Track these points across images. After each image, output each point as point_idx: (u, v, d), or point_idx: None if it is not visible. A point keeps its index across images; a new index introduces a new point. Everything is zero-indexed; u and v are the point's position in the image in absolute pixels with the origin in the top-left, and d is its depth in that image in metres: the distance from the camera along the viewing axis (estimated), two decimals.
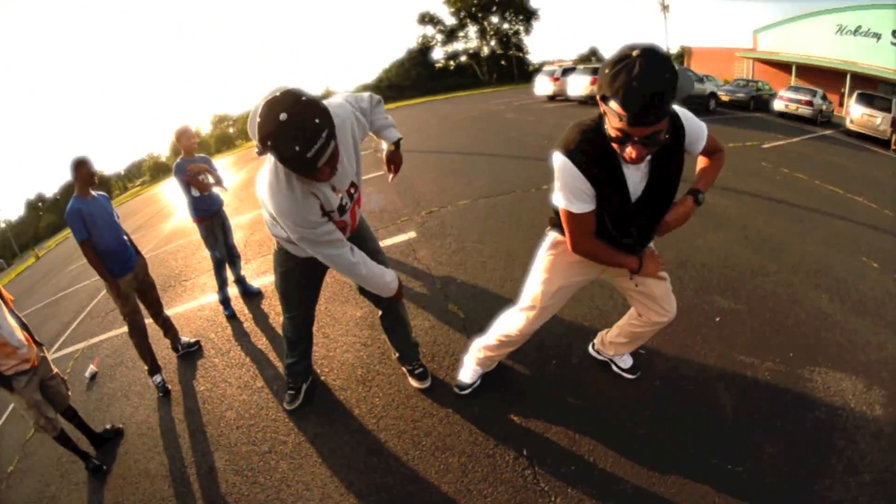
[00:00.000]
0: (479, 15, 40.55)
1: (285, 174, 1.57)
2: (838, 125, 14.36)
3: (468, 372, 2.38)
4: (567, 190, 1.49)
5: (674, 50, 31.45)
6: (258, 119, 1.34)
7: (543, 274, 1.87)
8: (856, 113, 12.81)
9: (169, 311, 3.33)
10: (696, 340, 2.68)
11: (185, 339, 3.28)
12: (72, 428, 2.48)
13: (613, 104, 1.22)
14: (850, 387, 2.33)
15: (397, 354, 2.52)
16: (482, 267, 3.76)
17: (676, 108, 1.48)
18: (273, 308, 3.64)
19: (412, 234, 4.60)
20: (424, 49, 41.44)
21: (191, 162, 3.46)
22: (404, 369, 2.55)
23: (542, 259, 1.89)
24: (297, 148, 1.30)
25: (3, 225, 46.95)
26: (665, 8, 29.12)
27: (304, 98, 1.34)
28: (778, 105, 14.99)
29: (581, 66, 17.37)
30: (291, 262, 2.04)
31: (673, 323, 2.72)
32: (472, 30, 42.00)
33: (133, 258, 2.88)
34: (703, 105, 13.98)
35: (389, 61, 42.32)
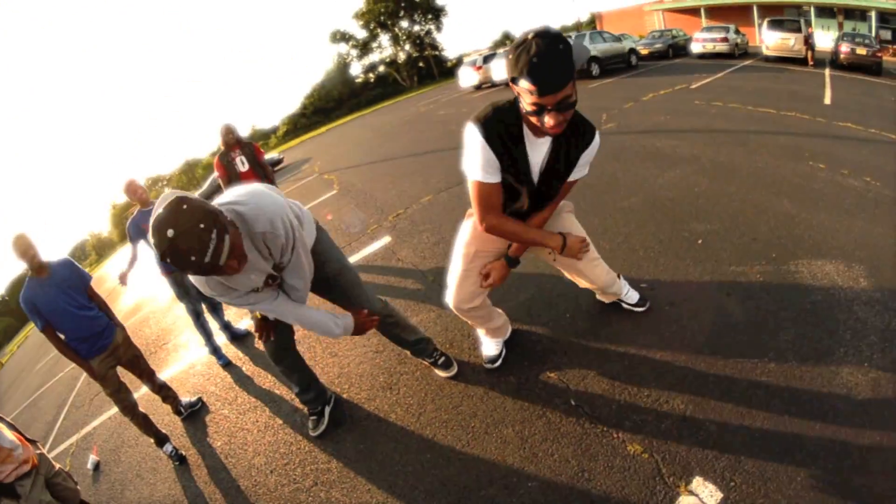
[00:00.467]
0: (389, 22, 40.52)
1: None
2: (756, 54, 15.28)
3: (489, 345, 2.38)
4: (476, 160, 1.61)
5: (585, 18, 32.56)
6: (153, 241, 1.34)
7: (463, 241, 2.04)
8: (770, 39, 13.65)
9: (161, 377, 3.08)
10: (687, 264, 2.82)
11: (185, 399, 3.05)
12: None
13: (522, 82, 1.35)
14: (833, 269, 2.55)
15: (409, 351, 2.45)
16: None
17: (595, 143, 1.68)
18: None
19: (387, 239, 4.51)
20: (342, 67, 41.06)
21: (148, 214, 3.23)
22: (427, 363, 2.47)
23: (463, 229, 2.06)
24: (193, 258, 1.32)
25: None
26: None
27: (185, 207, 1.34)
28: (696, 48, 15.73)
29: (501, 51, 17.68)
30: None
31: (662, 253, 2.94)
32: (384, 38, 42.04)
33: (108, 334, 2.63)
34: (625, 61, 14.51)
35: (308, 87, 41.61)
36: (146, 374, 2.83)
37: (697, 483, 1.61)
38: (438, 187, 5.71)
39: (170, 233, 1.29)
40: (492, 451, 1.95)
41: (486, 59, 17.27)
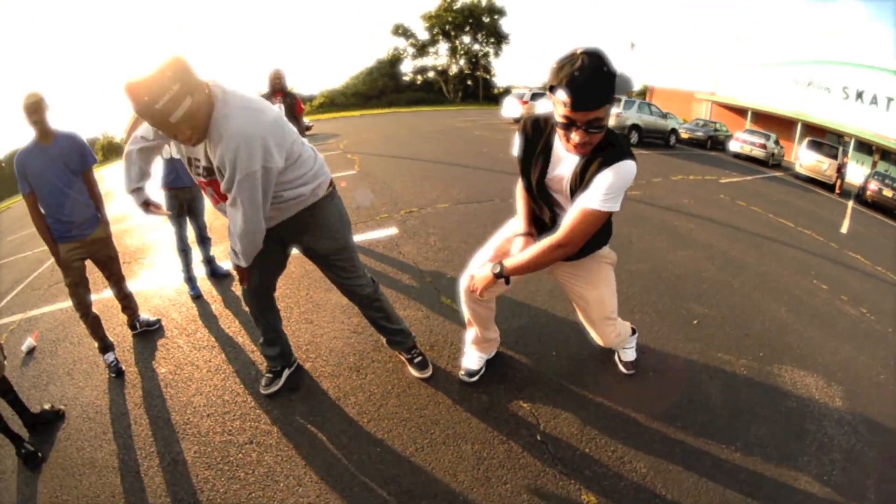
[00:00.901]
0: (452, 33, 40.75)
1: None
2: (788, 168, 15.67)
3: (472, 358, 2.30)
4: (515, 142, 1.72)
5: (638, 87, 33.28)
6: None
7: (501, 233, 1.99)
8: (805, 158, 13.88)
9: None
10: (679, 339, 2.88)
11: (144, 316, 2.88)
12: (2, 406, 2.07)
13: (560, 92, 1.36)
14: (813, 382, 2.64)
15: (384, 340, 2.35)
16: None
17: (628, 159, 1.50)
18: None
19: (394, 231, 4.41)
20: (394, 60, 41.23)
21: None
22: (403, 358, 2.36)
23: (506, 226, 2.01)
24: (146, 98, 1.34)
25: None
26: (632, 46, 30.95)
27: (173, 58, 1.39)
28: (734, 146, 16.00)
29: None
30: None
31: (658, 323, 3.02)
32: (443, 47, 42.04)
33: (89, 225, 2.45)
34: (664, 139, 14.73)
35: (357, 69, 41.48)
36: (115, 277, 2.66)
37: None
38: (458, 199, 5.65)
39: (136, 76, 1.34)
40: (445, 463, 1.85)
41: (535, 96, 17.41)
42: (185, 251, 3.30)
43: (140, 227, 5.63)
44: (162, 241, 4.73)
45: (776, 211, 7.44)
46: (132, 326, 2.81)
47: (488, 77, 43.51)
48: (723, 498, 1.78)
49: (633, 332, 2.41)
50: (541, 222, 1.82)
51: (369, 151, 9.99)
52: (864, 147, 21.75)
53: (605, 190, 1.47)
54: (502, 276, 1.68)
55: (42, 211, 2.36)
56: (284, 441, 1.97)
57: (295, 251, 2.09)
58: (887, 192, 12.12)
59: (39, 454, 2.01)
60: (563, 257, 1.65)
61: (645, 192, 6.94)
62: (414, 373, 2.31)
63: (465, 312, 2.16)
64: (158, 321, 2.93)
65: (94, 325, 2.52)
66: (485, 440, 1.97)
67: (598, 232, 1.61)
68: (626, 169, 1.48)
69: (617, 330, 2.10)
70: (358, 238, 4.14)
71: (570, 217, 1.55)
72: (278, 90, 4.34)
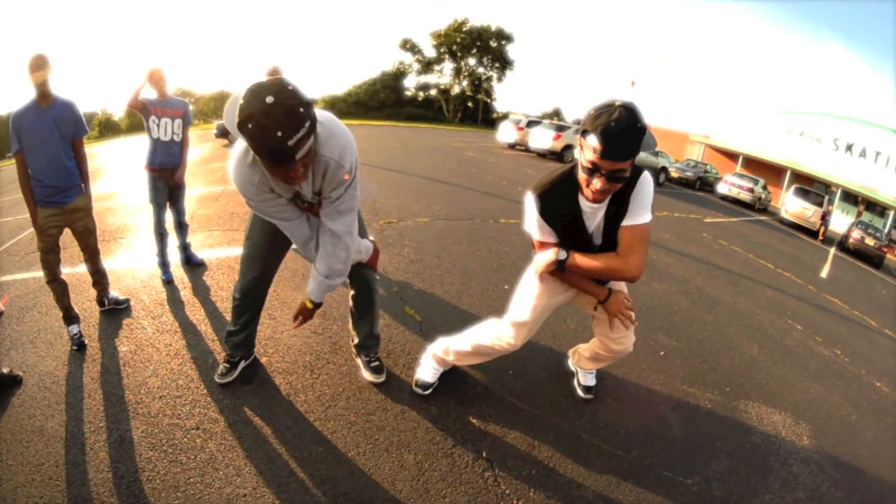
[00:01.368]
0: (459, 54, 41.62)
1: (252, 157, 1.57)
2: (773, 213, 16.22)
3: (428, 370, 2.35)
4: (534, 226, 1.79)
5: None
6: (241, 101, 1.27)
7: (529, 289, 2.02)
8: (791, 205, 14.43)
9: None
10: (643, 368, 2.91)
11: (114, 294, 2.91)
12: None
13: (592, 138, 1.44)
14: (780, 420, 2.65)
15: (356, 341, 2.41)
16: (439, 279, 3.76)
17: (647, 175, 1.68)
18: (216, 282, 3.37)
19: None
20: (398, 74, 41.74)
21: (160, 103, 3.21)
22: (359, 361, 2.44)
23: (529, 277, 2.05)
24: (280, 133, 1.24)
25: None
26: (633, 84, 32.05)
27: (290, 87, 1.29)
28: (722, 188, 16.61)
29: (547, 121, 18.32)
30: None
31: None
32: (448, 66, 43.01)
33: (71, 194, 2.51)
34: (654, 176, 15.09)
35: (361, 78, 41.92)
36: (90, 250, 2.71)
37: None
38: (438, 215, 5.78)
39: (269, 99, 1.23)
40: (385, 470, 1.90)
41: (531, 123, 17.85)
42: (161, 235, 3.35)
43: (124, 206, 5.65)
44: (142, 224, 4.76)
45: (757, 252, 7.70)
46: (100, 303, 2.85)
47: (489, 101, 44.33)
48: None
49: None
50: None
51: (361, 161, 10.07)
52: (851, 198, 22.76)
53: (646, 204, 1.67)
54: (564, 265, 1.75)
55: (28, 171, 2.42)
56: (230, 431, 2.02)
57: None
58: (869, 241, 12.70)
59: None
60: (623, 278, 1.75)
61: None
62: (368, 377, 2.37)
63: (476, 361, 2.27)
64: (127, 300, 2.97)
65: (60, 291, 2.55)
66: (428, 451, 2.00)
67: None
68: (648, 179, 1.67)
69: (633, 338, 2.12)
70: None
71: (627, 240, 1.68)
72: None
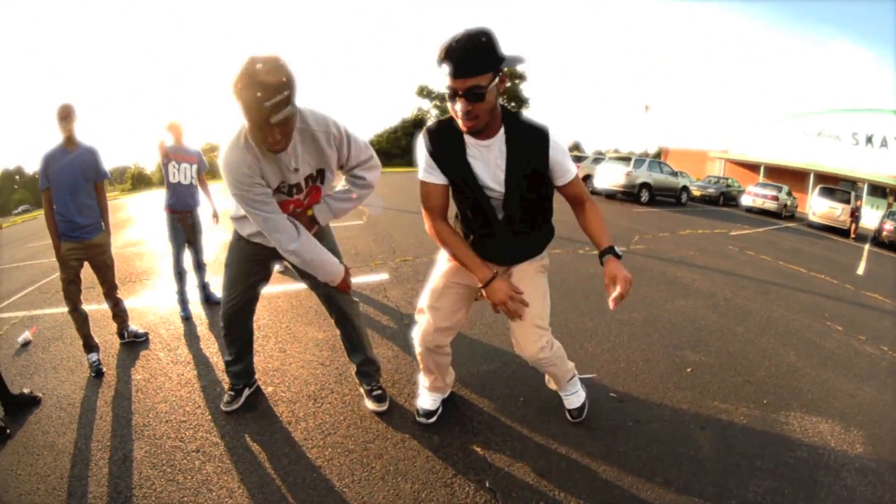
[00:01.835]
0: None
1: (244, 138, 1.70)
2: (802, 219, 15.50)
3: (427, 399, 2.28)
4: (420, 162, 1.74)
5: (652, 149, 34.25)
6: (238, 66, 1.48)
7: (435, 275, 2.03)
8: (818, 206, 13.91)
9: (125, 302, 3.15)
10: (667, 387, 2.69)
11: (133, 327, 3.08)
12: None
13: (443, 66, 1.42)
14: (828, 429, 2.40)
15: (356, 369, 2.43)
16: None
17: (553, 137, 1.65)
18: None
19: (384, 276, 4.60)
20: (417, 121, 42.55)
21: (177, 150, 3.47)
22: (362, 390, 2.44)
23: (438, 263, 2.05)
24: (259, 94, 1.43)
25: None
26: (647, 109, 32.37)
27: (280, 62, 1.49)
28: (746, 200, 16.12)
29: (612, 154, 18.13)
30: (242, 241, 2.14)
31: (645, 371, 2.84)
32: None
33: (91, 231, 2.75)
34: (675, 197, 14.57)
35: (382, 126, 43.07)
36: (108, 284, 2.91)
37: None
38: None
39: (258, 66, 1.43)
40: (378, 499, 1.84)
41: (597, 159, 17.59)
42: (180, 273, 3.53)
43: (151, 252, 5.97)
44: (166, 267, 5.01)
45: (787, 258, 7.37)
46: (121, 335, 3.01)
47: None
48: None
49: (573, 375, 2.23)
50: (478, 232, 1.85)
51: (380, 205, 10.39)
52: (878, 190, 21.72)
53: (567, 156, 1.70)
54: (619, 255, 1.66)
55: (55, 208, 2.66)
56: (228, 455, 2.04)
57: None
58: None
59: (8, 430, 2.17)
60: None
61: (650, 247, 6.96)
62: (370, 405, 2.36)
63: (426, 363, 2.13)
64: (146, 334, 3.12)
65: (80, 321, 2.74)
66: (426, 481, 1.92)
67: (547, 231, 1.86)
68: (553, 137, 1.65)
69: (542, 343, 1.89)
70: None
71: (577, 185, 1.74)
72: None
